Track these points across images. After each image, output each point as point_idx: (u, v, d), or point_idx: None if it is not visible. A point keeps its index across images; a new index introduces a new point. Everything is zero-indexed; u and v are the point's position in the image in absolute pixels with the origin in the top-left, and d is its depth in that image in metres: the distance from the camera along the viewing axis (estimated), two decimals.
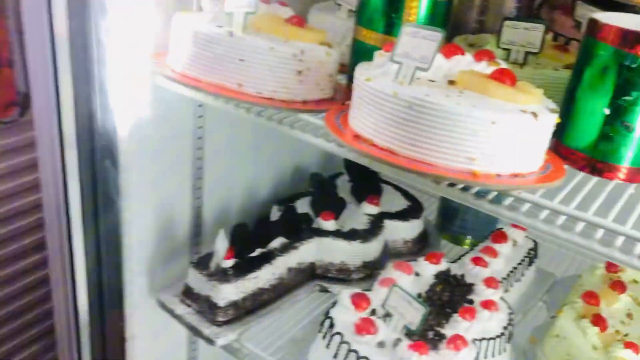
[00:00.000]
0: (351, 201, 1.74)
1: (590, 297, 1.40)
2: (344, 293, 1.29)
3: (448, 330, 1.24)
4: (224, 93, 1.08)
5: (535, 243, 1.69)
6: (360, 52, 1.26)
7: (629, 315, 1.40)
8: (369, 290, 1.36)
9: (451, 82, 0.98)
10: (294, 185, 1.90)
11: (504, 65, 1.06)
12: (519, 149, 0.92)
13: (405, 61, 0.95)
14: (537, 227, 0.89)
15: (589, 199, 0.96)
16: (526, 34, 1.23)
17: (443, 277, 1.44)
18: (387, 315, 1.23)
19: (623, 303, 1.44)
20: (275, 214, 1.66)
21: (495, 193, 0.94)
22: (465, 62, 1.03)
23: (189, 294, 1.40)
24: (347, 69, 1.34)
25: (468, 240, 1.87)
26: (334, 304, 1.30)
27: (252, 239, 1.44)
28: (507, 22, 1.25)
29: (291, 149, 1.86)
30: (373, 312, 1.27)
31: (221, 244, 1.37)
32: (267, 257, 1.43)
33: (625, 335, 1.32)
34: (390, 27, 1.20)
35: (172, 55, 1.19)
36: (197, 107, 1.44)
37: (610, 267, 1.56)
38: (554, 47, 1.31)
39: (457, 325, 1.26)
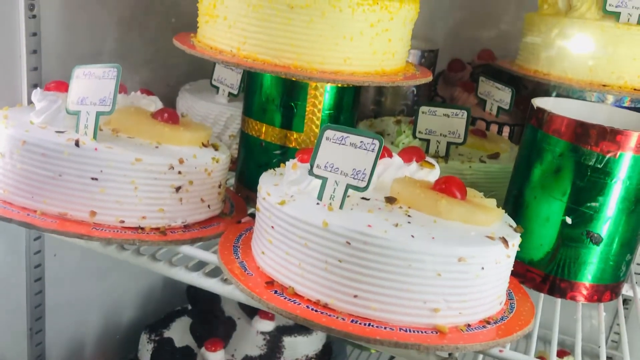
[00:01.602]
0: (240, 316, 1.43)
1: None
2: None
3: None
4: (69, 229, 0.75)
5: None
6: (252, 150, 1.00)
7: None
8: None
9: (390, 200, 0.74)
10: (166, 300, 1.54)
11: (436, 166, 0.85)
12: (490, 287, 0.70)
13: (332, 177, 0.70)
14: None
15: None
16: (447, 122, 1.05)
17: None
18: None
19: None
20: (145, 346, 1.31)
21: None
22: (394, 166, 0.81)
23: None
24: (235, 166, 1.06)
25: None
26: None
27: None
28: (424, 109, 1.05)
29: None
30: None
31: None
32: None
33: None
34: (289, 119, 0.96)
35: None
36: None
37: None
38: (470, 131, 1.14)
39: None
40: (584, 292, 0.86)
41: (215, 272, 0.80)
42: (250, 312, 1.44)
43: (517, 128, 1.35)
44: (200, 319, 1.38)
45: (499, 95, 1.26)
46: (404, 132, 1.08)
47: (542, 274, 0.87)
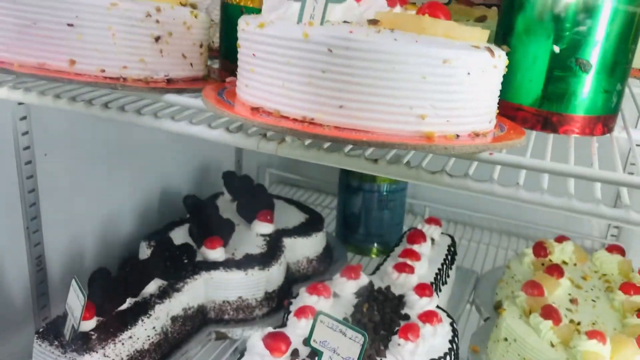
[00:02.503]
0: (239, 222, 1.43)
1: (534, 288, 1.21)
2: (254, 337, 0.98)
3: (391, 358, 0.98)
4: (48, 74, 0.73)
5: (453, 239, 1.50)
6: (234, 21, 0.97)
7: (574, 301, 1.23)
8: (282, 326, 1.06)
9: (372, 22, 0.72)
10: (164, 214, 1.55)
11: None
12: (477, 96, 0.68)
13: None
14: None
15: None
16: None
17: (367, 294, 1.18)
18: (314, 354, 0.94)
19: (563, 288, 1.27)
20: (145, 252, 1.31)
21: (452, 161, 0.70)
22: (378, 5, 0.79)
23: None
24: (218, 53, 1.05)
25: (375, 248, 1.65)
26: (242, 353, 0.98)
27: (118, 286, 1.08)
28: None
29: (156, 170, 1.51)
30: (294, 353, 0.97)
31: (75, 300, 0.99)
32: (143, 308, 1.08)
33: (578, 323, 1.14)
34: None
35: None
36: (19, 122, 1.06)
37: (539, 250, 1.39)
38: (455, 1, 1.13)
39: (400, 350, 1.00)
40: (576, 125, 0.85)
41: (201, 122, 0.79)
42: (249, 217, 1.44)
43: None
44: (199, 224, 1.38)
45: None
46: None
47: (533, 110, 0.86)
